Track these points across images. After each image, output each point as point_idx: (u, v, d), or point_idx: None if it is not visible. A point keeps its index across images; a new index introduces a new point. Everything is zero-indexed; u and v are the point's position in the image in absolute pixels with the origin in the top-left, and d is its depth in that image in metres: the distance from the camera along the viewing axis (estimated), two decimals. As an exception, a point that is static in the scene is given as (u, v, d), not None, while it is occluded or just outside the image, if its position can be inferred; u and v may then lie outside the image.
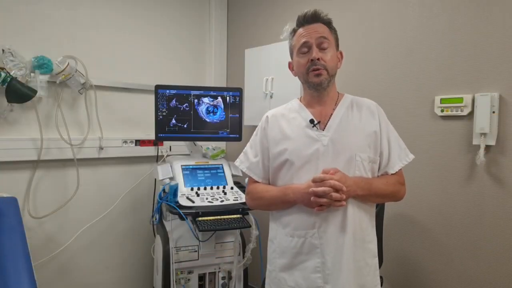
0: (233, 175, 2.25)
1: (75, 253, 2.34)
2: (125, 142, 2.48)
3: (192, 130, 2.24)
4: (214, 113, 2.27)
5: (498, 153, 1.60)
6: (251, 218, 2.09)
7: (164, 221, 2.19)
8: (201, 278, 2.14)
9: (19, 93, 1.98)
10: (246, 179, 1.48)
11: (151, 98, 2.40)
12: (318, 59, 1.20)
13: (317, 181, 1.13)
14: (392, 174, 1.27)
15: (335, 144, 1.22)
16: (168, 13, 2.69)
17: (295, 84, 2.15)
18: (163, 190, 2.09)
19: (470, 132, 1.67)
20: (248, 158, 1.37)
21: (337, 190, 1.11)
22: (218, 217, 1.97)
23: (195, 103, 2.24)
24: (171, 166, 2.19)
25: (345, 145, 1.21)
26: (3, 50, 1.97)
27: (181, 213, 1.86)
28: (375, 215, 1.31)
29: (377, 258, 1.28)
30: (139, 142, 2.54)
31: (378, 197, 1.26)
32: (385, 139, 1.26)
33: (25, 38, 2.10)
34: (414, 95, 1.86)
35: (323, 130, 1.24)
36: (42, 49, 2.14)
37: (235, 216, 1.99)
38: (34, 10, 2.13)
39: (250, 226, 2.01)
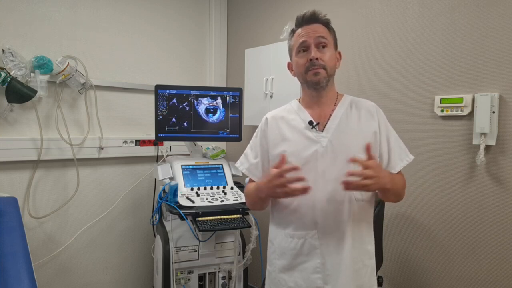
0: (233, 175, 2.25)
1: (75, 253, 2.35)
2: (125, 142, 2.49)
3: (192, 130, 2.24)
4: (214, 113, 2.27)
5: (498, 153, 1.60)
6: (251, 218, 2.09)
7: (164, 221, 2.19)
8: (201, 278, 2.15)
9: (19, 93, 1.98)
10: (246, 179, 1.48)
11: (151, 98, 2.40)
12: (316, 58, 1.20)
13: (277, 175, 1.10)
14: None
15: (334, 146, 1.21)
16: (168, 13, 2.69)
17: (295, 84, 2.14)
18: (163, 190, 2.09)
19: (470, 132, 1.67)
20: (248, 160, 1.37)
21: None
22: (218, 217, 1.97)
23: (195, 103, 2.24)
24: (171, 166, 2.19)
25: (344, 146, 1.21)
26: (3, 50, 1.97)
27: (181, 213, 1.86)
28: (373, 216, 1.31)
29: (374, 259, 1.29)
30: (139, 142, 2.54)
31: (394, 193, 1.23)
32: (384, 140, 1.26)
33: (25, 38, 2.10)
34: (414, 95, 1.86)
35: (322, 131, 1.24)
36: (42, 49, 2.15)
37: (235, 216, 1.99)
38: (34, 10, 2.13)
39: (250, 226, 2.01)
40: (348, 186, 1.06)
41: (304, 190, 1.08)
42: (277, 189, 1.11)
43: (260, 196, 1.22)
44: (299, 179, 1.08)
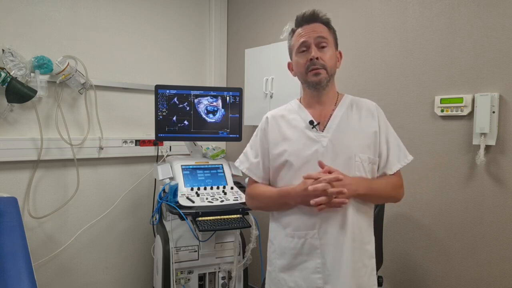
0: (233, 175, 2.25)
1: (75, 253, 2.35)
2: (125, 142, 2.48)
3: (192, 130, 2.24)
4: (214, 113, 2.27)
5: (498, 153, 1.60)
6: (251, 218, 2.09)
7: (164, 221, 2.19)
8: (201, 278, 2.14)
9: (19, 93, 1.98)
10: (246, 179, 1.48)
11: (151, 98, 2.40)
12: (317, 58, 1.20)
13: (313, 178, 1.13)
14: (390, 175, 1.27)
15: (335, 145, 1.21)
16: (168, 13, 2.69)
17: (295, 84, 2.15)
18: (163, 190, 2.09)
19: (470, 132, 1.67)
20: (248, 159, 1.37)
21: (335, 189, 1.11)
22: (218, 217, 1.97)
23: (195, 103, 2.24)
24: (171, 166, 2.19)
25: (344, 146, 1.21)
26: (3, 50, 1.97)
27: (181, 213, 1.86)
28: (373, 216, 1.31)
29: (374, 259, 1.29)
30: (139, 142, 2.54)
31: (378, 197, 1.25)
32: (384, 140, 1.26)
33: (25, 38, 2.10)
34: (414, 95, 1.86)
35: (323, 131, 1.24)
36: (42, 49, 2.15)
37: (235, 216, 1.99)
38: (34, 10, 2.13)
39: (250, 226, 2.01)
40: (322, 207, 1.11)
41: (341, 201, 1.11)
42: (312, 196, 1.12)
43: (287, 202, 1.23)
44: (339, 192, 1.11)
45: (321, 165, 1.15)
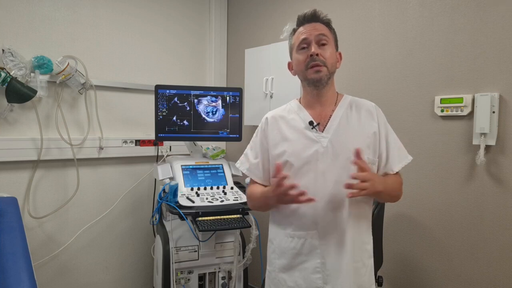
0: (233, 175, 2.25)
1: (75, 253, 2.35)
2: (125, 142, 2.48)
3: (192, 130, 2.24)
4: (214, 113, 2.27)
5: (498, 153, 1.60)
6: (251, 218, 2.09)
7: (164, 221, 2.19)
8: (201, 278, 2.15)
9: (19, 93, 1.98)
10: (247, 179, 1.48)
11: (151, 98, 2.41)
12: (317, 54, 1.20)
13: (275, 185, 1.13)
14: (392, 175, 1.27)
15: (334, 146, 1.22)
16: (168, 13, 2.69)
17: (295, 84, 2.15)
18: (163, 190, 2.09)
19: (470, 132, 1.67)
20: (248, 160, 1.37)
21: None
22: (218, 217, 1.97)
23: (195, 103, 2.24)
24: (171, 166, 2.19)
25: (344, 146, 1.21)
26: (3, 50, 1.97)
27: (181, 213, 1.86)
28: (371, 216, 1.31)
29: (372, 259, 1.29)
30: (139, 142, 2.54)
31: (388, 195, 1.24)
32: (383, 140, 1.26)
33: (25, 38, 2.10)
34: (414, 95, 1.86)
35: (322, 131, 1.24)
36: (42, 49, 2.15)
37: (235, 216, 1.99)
38: (34, 10, 2.13)
39: (250, 226, 2.01)
40: (350, 188, 1.07)
41: (307, 199, 1.10)
42: (282, 197, 1.13)
43: (270, 203, 1.23)
44: (293, 187, 1.10)
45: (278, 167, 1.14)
